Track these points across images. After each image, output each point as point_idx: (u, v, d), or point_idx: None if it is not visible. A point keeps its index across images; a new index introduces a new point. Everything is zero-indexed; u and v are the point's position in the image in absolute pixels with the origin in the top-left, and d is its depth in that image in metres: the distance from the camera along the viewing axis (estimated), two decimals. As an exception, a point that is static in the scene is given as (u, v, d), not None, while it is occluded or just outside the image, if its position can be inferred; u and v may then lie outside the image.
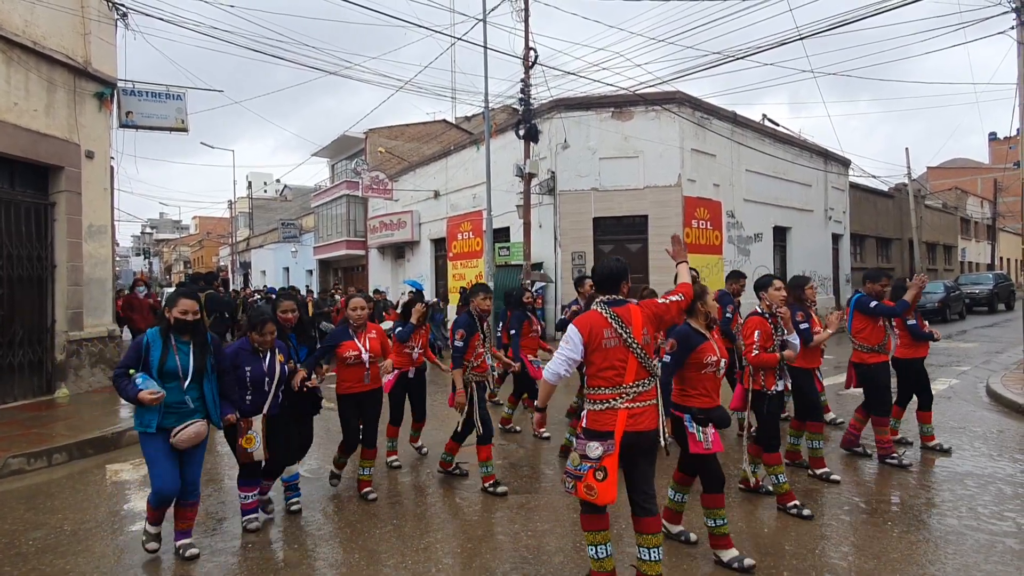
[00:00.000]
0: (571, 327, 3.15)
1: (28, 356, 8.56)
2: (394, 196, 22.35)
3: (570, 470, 3.09)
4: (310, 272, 31.71)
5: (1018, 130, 12.51)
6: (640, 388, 3.06)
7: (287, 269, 35.00)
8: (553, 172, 15.59)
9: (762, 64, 14.13)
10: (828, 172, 22.16)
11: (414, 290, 6.74)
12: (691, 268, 3.71)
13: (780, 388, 4.46)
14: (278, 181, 52.68)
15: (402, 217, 22.45)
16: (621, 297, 3.21)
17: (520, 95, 14.32)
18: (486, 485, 4.84)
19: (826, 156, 22.09)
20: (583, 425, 3.11)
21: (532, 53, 14.10)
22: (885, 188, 28.10)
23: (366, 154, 26.71)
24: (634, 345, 3.05)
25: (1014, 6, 10.87)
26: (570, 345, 3.13)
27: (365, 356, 4.73)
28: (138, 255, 65.39)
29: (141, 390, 3.44)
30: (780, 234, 19.57)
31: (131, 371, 3.56)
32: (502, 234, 17.09)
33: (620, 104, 15.32)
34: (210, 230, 58.86)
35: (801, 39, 11.22)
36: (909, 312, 5.51)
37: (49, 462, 5.93)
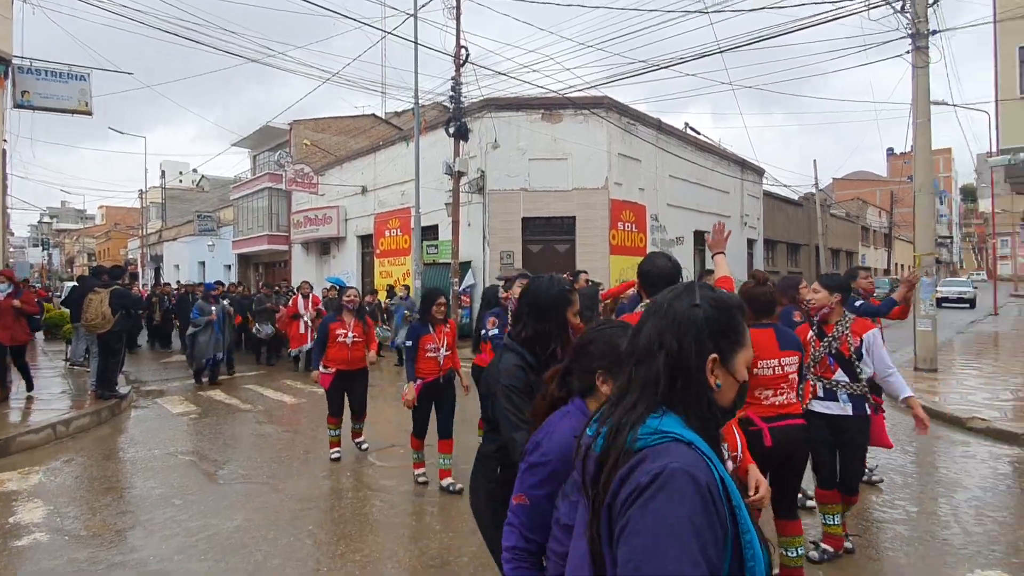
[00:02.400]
0: None
1: None
2: (320, 191, 21.67)
3: None
4: (228, 267, 30.23)
5: (912, 147, 13.65)
6: None
7: (203, 264, 33.20)
8: (483, 171, 15.59)
9: (685, 74, 14.73)
10: (744, 180, 23.36)
11: (336, 287, 6.54)
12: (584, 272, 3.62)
13: None
14: (195, 171, 49.86)
15: (328, 212, 21.80)
16: None
17: (451, 93, 14.24)
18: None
19: (743, 165, 23.27)
20: None
21: (463, 51, 14.06)
22: (795, 197, 29.94)
23: (291, 146, 25.73)
24: None
25: (910, 32, 11.85)
26: None
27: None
28: (36, 246, 60.18)
29: None
30: (700, 238, 20.44)
31: None
32: (431, 232, 16.92)
33: (550, 106, 15.52)
34: (118, 221, 54.93)
35: (720, 52, 11.76)
36: (898, 311, 5.12)
37: (-83, 474, 5.34)
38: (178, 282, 23.25)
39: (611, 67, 40.95)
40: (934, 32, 11.84)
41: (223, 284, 14.11)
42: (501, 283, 5.86)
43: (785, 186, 28.17)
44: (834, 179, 53.24)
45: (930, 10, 11.72)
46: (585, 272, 7.54)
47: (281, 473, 5.39)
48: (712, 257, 3.29)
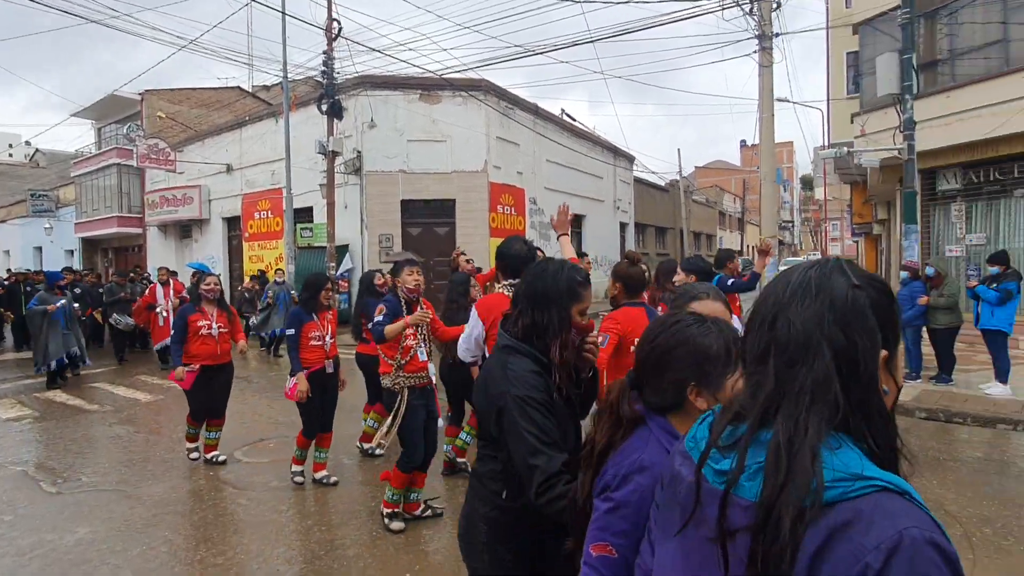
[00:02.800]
0: (473, 310, 2.98)
1: None
2: (178, 168, 19.83)
3: None
4: (71, 252, 26.86)
5: (758, 139, 15.07)
6: None
7: (40, 249, 29.24)
8: (359, 151, 15.07)
9: (560, 61, 15.12)
10: (617, 167, 24.55)
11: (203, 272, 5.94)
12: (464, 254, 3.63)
13: None
14: (27, 144, 43.55)
15: (188, 192, 20.02)
16: None
17: (323, 68, 13.56)
18: (383, 510, 3.93)
19: (615, 152, 24.44)
20: None
21: (336, 24, 13.42)
22: (662, 184, 31.99)
23: (143, 118, 23.21)
24: None
25: (757, 33, 13.00)
26: (471, 326, 2.95)
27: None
28: None
29: None
30: (576, 221, 21.24)
31: None
32: (304, 214, 16.12)
33: (428, 87, 15.29)
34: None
35: (592, 42, 12.20)
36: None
37: None
38: (8, 270, 20.26)
39: (489, 50, 41.32)
40: (777, 34, 13.09)
41: (73, 271, 12.52)
42: (377, 271, 5.69)
43: (653, 172, 30.02)
44: (696, 167, 57.48)
45: (774, 14, 12.92)
46: (464, 253, 7.51)
47: (133, 478, 4.95)
48: (557, 239, 3.35)
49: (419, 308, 3.91)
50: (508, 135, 16.61)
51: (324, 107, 13.37)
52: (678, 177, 30.52)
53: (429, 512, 4.04)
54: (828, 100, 18.39)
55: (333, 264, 13.76)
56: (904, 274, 7.72)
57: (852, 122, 13.68)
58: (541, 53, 12.46)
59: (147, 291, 10.41)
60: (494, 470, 1.77)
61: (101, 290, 11.63)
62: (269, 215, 17.54)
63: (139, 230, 22.83)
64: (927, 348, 7.74)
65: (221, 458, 5.24)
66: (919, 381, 7.57)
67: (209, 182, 19.64)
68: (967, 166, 10.94)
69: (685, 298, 1.94)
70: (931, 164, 11.10)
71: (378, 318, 3.70)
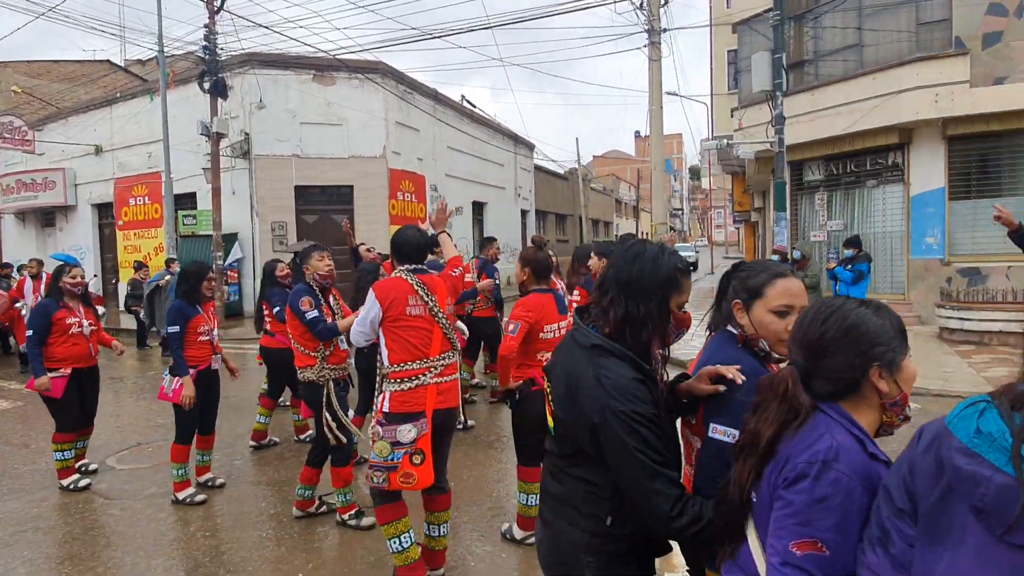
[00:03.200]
0: (371, 292, 2.90)
1: None
2: (37, 149, 17.78)
3: (377, 463, 2.76)
4: (-101, 244, 23.33)
5: (649, 130, 15.77)
6: (446, 361, 2.92)
7: None
8: (247, 134, 14.19)
9: (459, 47, 14.98)
10: (517, 154, 24.82)
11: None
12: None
13: None
14: None
15: (50, 176, 17.95)
16: (424, 267, 3.04)
17: (204, 43, 12.59)
18: (344, 516, 3.74)
19: (516, 139, 24.68)
20: (384, 409, 2.81)
21: (217, -4, 12.48)
22: (562, 171, 32.74)
23: (-11, 91, 20.52)
24: (439, 315, 2.92)
25: (646, 27, 13.56)
26: (367, 309, 2.89)
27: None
28: None
29: None
30: (479, 208, 21.30)
31: None
32: (187, 200, 14.99)
33: (322, 67, 14.64)
34: None
35: (489, 27, 12.20)
36: None
37: None
38: None
39: (386, 32, 40.11)
40: (665, 30, 13.71)
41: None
42: (279, 260, 5.39)
43: (553, 160, 30.64)
44: (594, 156, 59.31)
45: (662, 10, 13.52)
46: (364, 244, 7.34)
47: (-18, 496, 4.43)
48: (437, 236, 3.30)
49: (331, 296, 3.83)
50: (407, 120, 16.29)
51: (207, 85, 12.44)
52: (577, 166, 31.35)
53: (324, 508, 3.90)
54: (712, 95, 19.62)
55: (220, 253, 12.92)
56: (775, 257, 8.43)
57: (732, 116, 14.69)
58: (439, 37, 12.31)
59: (16, 285, 9.20)
60: (590, 492, 1.52)
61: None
62: (146, 201, 16.14)
63: (-11, 218, 20.25)
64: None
65: (92, 466, 4.78)
66: (788, 355, 8.32)
67: (75, 165, 17.73)
68: (829, 159, 12.08)
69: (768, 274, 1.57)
70: (799, 157, 12.15)
71: (311, 313, 3.50)
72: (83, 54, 24.16)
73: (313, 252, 3.74)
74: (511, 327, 3.30)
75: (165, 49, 13.36)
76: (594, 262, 4.05)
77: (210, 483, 4.39)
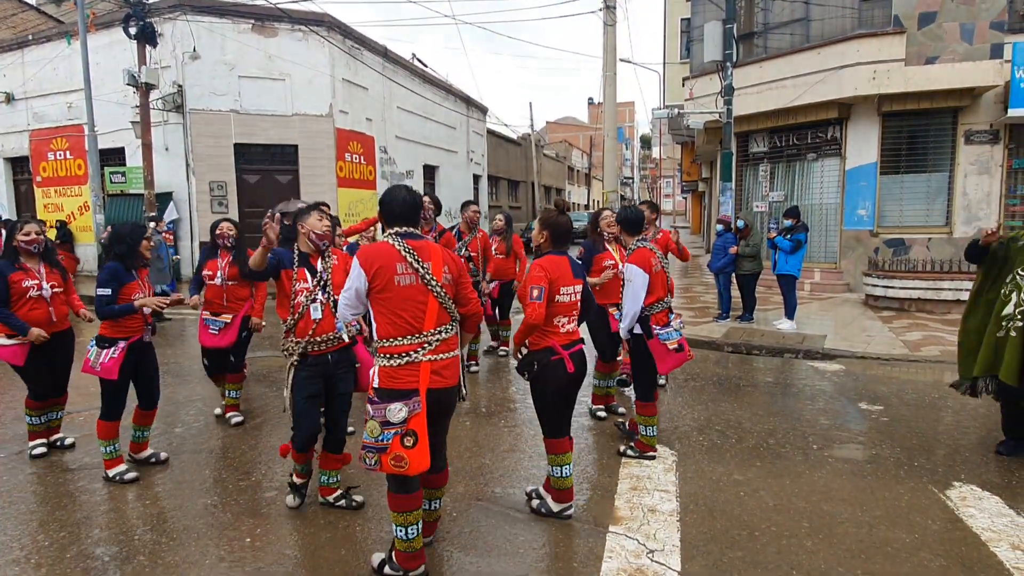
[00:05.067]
0: (354, 259, 2.63)
1: None
2: (-64, 94, 16.18)
3: (369, 443, 2.56)
4: None
5: (603, 97, 15.73)
6: (443, 335, 2.67)
7: None
8: (180, 86, 13.35)
9: (410, 1, 14.36)
10: (470, 117, 24.36)
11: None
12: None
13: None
14: None
15: (-46, 124, 16.44)
16: (417, 232, 2.75)
17: (129, -17, 11.65)
18: (329, 498, 3.51)
19: (468, 102, 24.17)
20: (375, 385, 2.62)
21: (143, -68, 11.53)
22: (515, 137, 32.42)
23: None
24: (433, 283, 2.64)
25: (601, -8, 13.39)
26: (351, 279, 2.61)
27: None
28: None
29: None
30: (430, 172, 20.89)
31: None
32: (114, 155, 14.07)
33: (261, 17, 13.82)
34: None
35: (441, -16, 11.74)
36: None
37: None
38: None
39: (335, -18, 37.95)
40: (619, -5, 13.60)
41: None
42: (228, 220, 5.07)
43: (506, 125, 30.23)
44: (547, 122, 58.91)
45: (616, -26, 13.36)
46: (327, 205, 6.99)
47: None
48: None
49: (326, 258, 3.45)
50: (355, 78, 15.67)
51: (132, 31, 11.56)
52: (530, 131, 31.08)
53: (343, 502, 3.48)
54: (664, 63, 19.66)
55: (153, 214, 12.24)
56: (719, 227, 8.67)
57: (683, 85, 14.81)
58: (387, -9, 11.76)
59: None
60: None
61: None
62: (68, 156, 15.04)
63: None
64: (736, 292, 8.83)
65: (68, 440, 4.48)
66: (727, 320, 8.64)
67: (-18, 113, 16.28)
68: (773, 131, 12.41)
69: None
70: (745, 128, 12.42)
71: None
72: (-10, -10, 21.93)
73: (313, 211, 3.41)
74: (534, 292, 3.11)
75: (85, -11, 12.29)
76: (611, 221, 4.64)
77: (153, 459, 4.18)
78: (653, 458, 4.10)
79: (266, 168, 14.34)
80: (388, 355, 2.60)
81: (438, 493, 2.99)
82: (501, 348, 7.14)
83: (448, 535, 3.21)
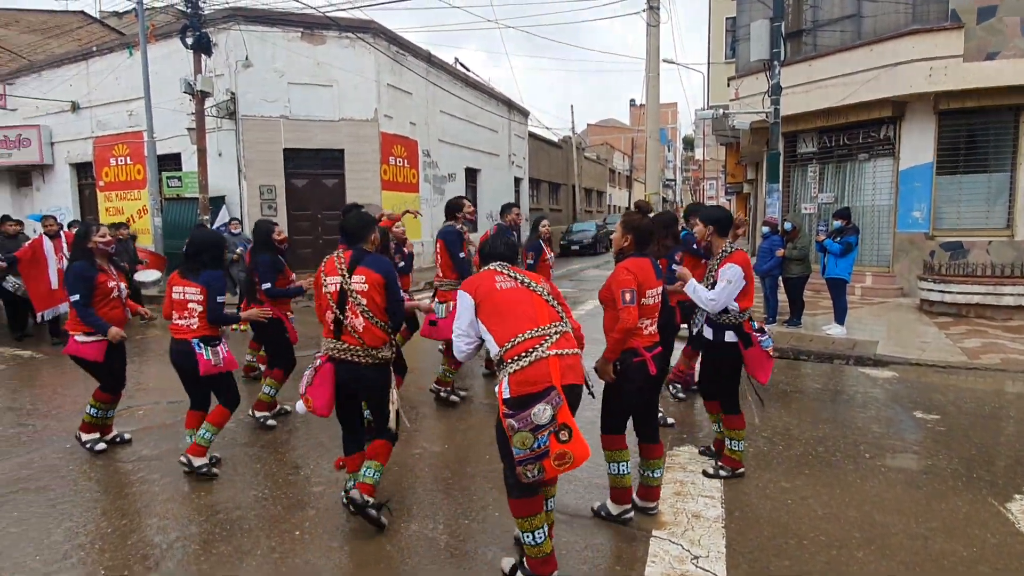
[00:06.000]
0: (460, 290, 2.79)
1: None
2: (9, 104, 17.23)
3: (525, 455, 2.45)
4: None
5: (645, 98, 15.59)
6: (560, 328, 2.68)
7: None
8: (233, 93, 13.84)
9: (453, 7, 14.58)
10: (512, 120, 24.46)
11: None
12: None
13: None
14: None
15: (24, 133, 17.44)
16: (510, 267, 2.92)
17: (186, -5, 12.14)
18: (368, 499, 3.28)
19: (510, 105, 24.29)
20: (505, 396, 2.53)
21: (199, -53, 12.00)
22: (556, 139, 32.39)
23: (-41, 42, 19.74)
24: (533, 284, 2.76)
25: (645, -7, 13.28)
26: (460, 310, 2.76)
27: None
28: None
29: None
30: (472, 175, 21.07)
31: None
32: (171, 161, 14.69)
33: (311, 25, 14.22)
34: None
35: (484, -11, 11.86)
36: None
37: None
38: None
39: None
40: (662, -4, 13.45)
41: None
42: (274, 223, 5.16)
43: (547, 128, 30.27)
44: (589, 124, 58.64)
45: (659, -25, 13.21)
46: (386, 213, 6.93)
47: (-28, 455, 4.41)
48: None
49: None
50: (400, 83, 15.95)
51: (189, 41, 12.05)
52: (571, 134, 30.99)
53: (373, 511, 3.19)
54: (708, 63, 19.34)
55: (207, 217, 12.72)
56: (765, 229, 8.46)
57: (728, 85, 14.53)
58: (431, -3, 11.95)
59: (28, 244, 7.67)
60: None
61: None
62: (128, 161, 15.79)
63: (-36, 175, 19.70)
64: (782, 296, 8.60)
65: (127, 435, 4.65)
66: (775, 325, 8.43)
67: (51, 122, 17.23)
68: (822, 131, 12.04)
69: None
70: (793, 128, 12.10)
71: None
72: (55, 3, 23.27)
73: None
74: (627, 296, 3.04)
75: (144, 0, 12.88)
76: (700, 228, 3.97)
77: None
78: (743, 475, 3.87)
79: (314, 172, 14.72)
80: (514, 357, 2.56)
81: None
82: None
83: (487, 535, 3.24)
